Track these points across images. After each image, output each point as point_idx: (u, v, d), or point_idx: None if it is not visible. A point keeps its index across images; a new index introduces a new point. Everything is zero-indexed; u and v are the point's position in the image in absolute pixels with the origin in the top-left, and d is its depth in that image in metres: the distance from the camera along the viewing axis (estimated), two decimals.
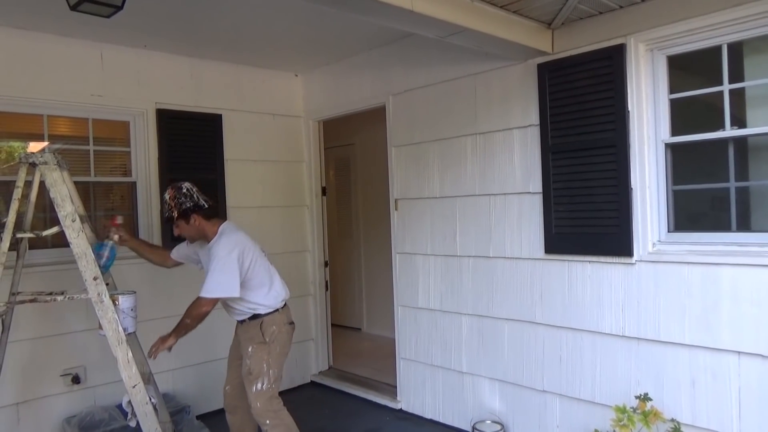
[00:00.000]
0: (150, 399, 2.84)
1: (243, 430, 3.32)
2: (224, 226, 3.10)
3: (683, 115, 2.99)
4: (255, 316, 3.08)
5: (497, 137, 3.64)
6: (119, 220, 3.15)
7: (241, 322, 3.17)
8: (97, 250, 2.96)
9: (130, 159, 4.19)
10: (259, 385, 3.01)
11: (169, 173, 4.23)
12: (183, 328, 2.97)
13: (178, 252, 3.34)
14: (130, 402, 2.82)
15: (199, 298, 2.92)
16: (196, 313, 2.92)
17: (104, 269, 2.95)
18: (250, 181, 4.72)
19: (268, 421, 3.02)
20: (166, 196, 3.04)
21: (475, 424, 3.67)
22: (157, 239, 4.18)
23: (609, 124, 3.07)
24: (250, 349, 3.06)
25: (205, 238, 3.09)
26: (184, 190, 3.03)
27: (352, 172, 7.01)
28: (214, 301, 2.94)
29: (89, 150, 4.00)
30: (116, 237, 3.12)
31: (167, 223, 3.10)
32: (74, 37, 3.82)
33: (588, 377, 3.24)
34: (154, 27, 3.75)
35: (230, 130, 4.59)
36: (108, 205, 4.27)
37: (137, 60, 4.13)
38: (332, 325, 5.43)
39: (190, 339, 4.28)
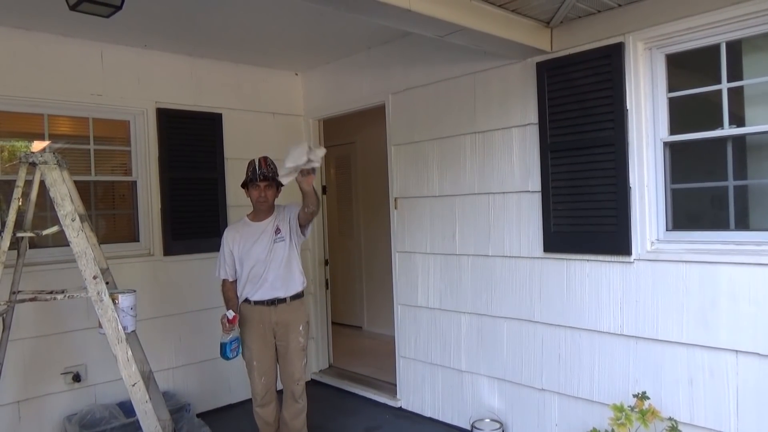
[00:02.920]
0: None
1: (274, 422, 3.48)
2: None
3: (682, 114, 2.99)
4: (297, 296, 3.40)
5: (496, 136, 3.64)
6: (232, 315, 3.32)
7: (280, 302, 3.33)
8: (231, 345, 3.28)
9: (130, 158, 4.21)
10: (305, 360, 3.44)
11: (170, 172, 4.25)
12: (314, 195, 3.19)
13: (230, 272, 3.44)
14: None
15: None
16: (318, 202, 3.32)
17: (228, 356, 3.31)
18: None
19: (302, 391, 3.43)
20: (266, 162, 3.33)
21: (474, 422, 3.67)
22: (157, 237, 4.21)
23: (608, 123, 3.07)
24: (300, 327, 3.39)
25: (267, 210, 3.39)
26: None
27: (353, 170, 7.01)
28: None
29: (90, 149, 4.01)
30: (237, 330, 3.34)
31: (263, 180, 3.30)
32: (74, 36, 3.83)
33: (586, 376, 3.25)
34: (153, 26, 3.76)
35: (230, 129, 4.60)
36: (108, 204, 4.29)
37: (137, 59, 4.14)
38: (333, 323, 5.45)
39: (190, 337, 4.33)
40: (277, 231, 3.36)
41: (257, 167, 3.32)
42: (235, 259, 3.38)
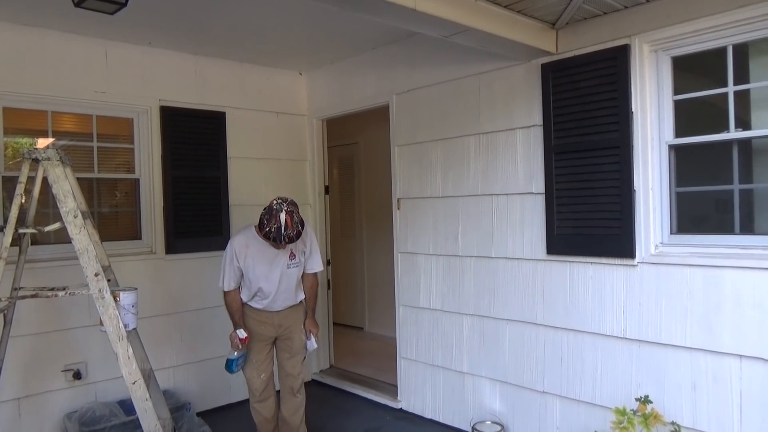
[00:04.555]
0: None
1: (273, 418, 3.50)
2: None
3: (687, 117, 2.97)
4: (301, 301, 3.49)
5: (500, 137, 3.63)
6: (244, 335, 3.32)
7: (285, 307, 3.39)
8: (238, 360, 3.35)
9: (133, 156, 4.20)
10: (304, 355, 3.52)
11: (173, 170, 4.24)
12: (315, 306, 3.59)
13: (235, 284, 3.34)
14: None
15: (316, 275, 3.53)
16: (318, 288, 3.59)
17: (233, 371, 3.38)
18: (253, 179, 4.72)
19: (300, 385, 3.49)
20: (293, 220, 3.05)
21: (475, 424, 3.66)
22: (159, 236, 4.20)
23: (613, 125, 3.05)
24: (302, 325, 3.49)
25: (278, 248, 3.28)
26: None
27: (356, 171, 7.01)
28: None
29: (93, 146, 4.01)
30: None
31: (295, 239, 3.12)
32: (79, 34, 3.83)
33: (589, 379, 3.23)
34: (158, 24, 3.76)
35: (234, 127, 4.59)
36: (111, 202, 4.29)
37: (141, 57, 4.14)
38: (334, 323, 5.44)
39: (191, 336, 4.33)
40: (292, 256, 3.32)
41: (283, 228, 3.01)
42: (243, 272, 3.28)
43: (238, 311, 3.35)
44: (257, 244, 3.25)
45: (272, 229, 3.03)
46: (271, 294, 3.31)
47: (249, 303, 3.38)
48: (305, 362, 3.57)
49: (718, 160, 2.92)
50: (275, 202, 3.09)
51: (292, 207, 3.09)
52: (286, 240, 3.06)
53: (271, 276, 3.28)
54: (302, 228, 3.14)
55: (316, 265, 3.50)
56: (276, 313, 3.38)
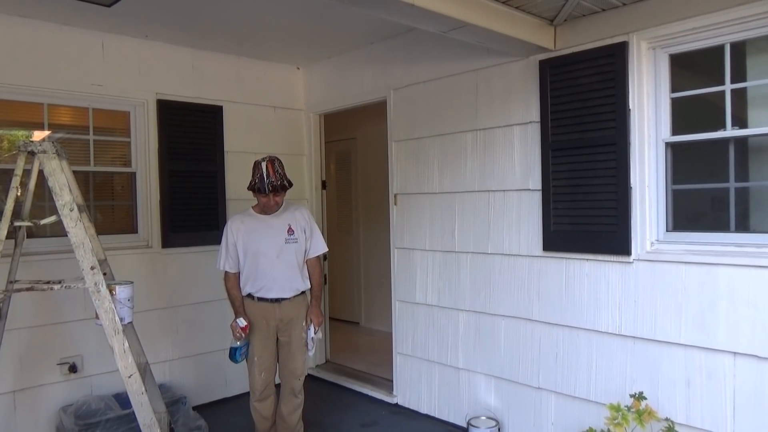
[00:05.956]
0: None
1: (271, 417, 3.47)
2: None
3: (684, 114, 2.98)
4: (303, 292, 3.42)
5: (497, 133, 3.63)
6: (244, 324, 3.28)
7: (284, 300, 3.33)
8: (242, 349, 3.30)
9: (130, 149, 4.19)
10: (311, 350, 3.46)
11: (169, 164, 4.23)
12: (320, 294, 3.55)
13: (234, 265, 3.35)
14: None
15: (320, 260, 3.51)
16: (321, 270, 3.57)
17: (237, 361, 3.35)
18: (249, 174, 4.69)
19: (301, 387, 3.45)
20: (274, 168, 3.19)
21: (470, 419, 3.67)
22: (155, 229, 4.20)
23: (610, 122, 3.06)
24: (303, 323, 3.41)
25: (270, 209, 3.31)
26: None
27: (353, 166, 7.00)
28: None
29: (89, 140, 3.99)
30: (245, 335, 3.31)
31: (278, 191, 3.21)
32: (75, 26, 3.81)
33: (583, 375, 3.24)
34: (155, 17, 3.74)
35: (231, 122, 4.58)
36: (107, 195, 4.27)
37: (138, 50, 4.12)
38: (330, 318, 5.45)
39: (187, 330, 4.33)
40: (290, 231, 3.34)
41: (265, 176, 3.16)
42: (239, 250, 3.32)
43: (238, 298, 3.35)
44: (253, 221, 3.35)
45: (256, 180, 3.20)
46: (268, 271, 3.27)
47: (248, 291, 3.34)
48: (307, 361, 3.50)
49: (715, 158, 2.93)
50: (259, 158, 3.27)
51: (274, 158, 3.26)
52: (270, 188, 3.16)
53: (267, 248, 3.27)
54: (288, 183, 3.26)
55: (320, 246, 3.47)
56: (278, 306, 3.32)
